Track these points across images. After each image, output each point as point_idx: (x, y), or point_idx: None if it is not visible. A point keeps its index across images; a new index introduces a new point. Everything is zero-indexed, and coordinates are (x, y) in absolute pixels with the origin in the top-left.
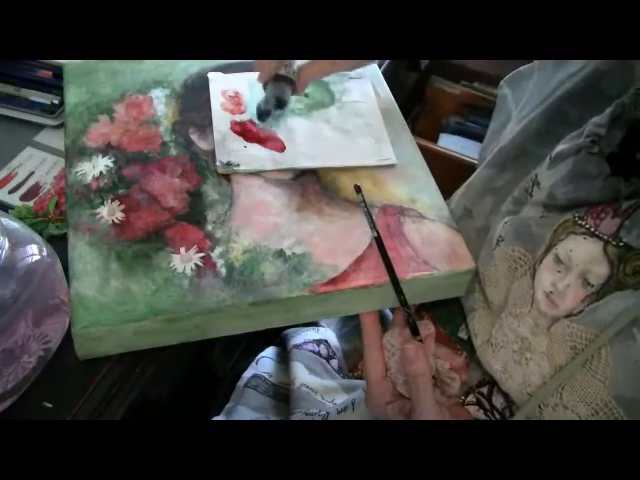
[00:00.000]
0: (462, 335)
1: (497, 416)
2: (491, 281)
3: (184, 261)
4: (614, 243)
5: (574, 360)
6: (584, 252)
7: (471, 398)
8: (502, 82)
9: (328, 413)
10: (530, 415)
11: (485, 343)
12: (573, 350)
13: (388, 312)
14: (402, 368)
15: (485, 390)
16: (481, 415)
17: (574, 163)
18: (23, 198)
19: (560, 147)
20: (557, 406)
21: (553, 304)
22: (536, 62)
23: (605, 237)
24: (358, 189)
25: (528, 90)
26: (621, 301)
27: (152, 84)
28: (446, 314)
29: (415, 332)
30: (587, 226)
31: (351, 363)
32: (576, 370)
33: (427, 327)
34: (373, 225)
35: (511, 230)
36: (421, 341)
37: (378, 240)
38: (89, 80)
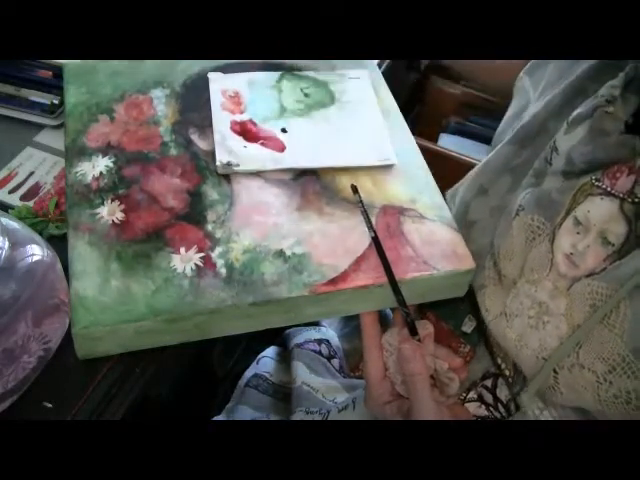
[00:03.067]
0: (466, 329)
1: (501, 409)
2: (507, 253)
3: (184, 261)
4: (630, 200)
5: (592, 317)
6: (601, 211)
7: (472, 395)
8: (521, 73)
9: (329, 412)
10: (544, 383)
11: (499, 316)
12: (592, 308)
13: (389, 312)
14: (400, 368)
15: (489, 383)
16: (483, 411)
17: (590, 124)
18: (23, 198)
19: (577, 111)
20: (573, 367)
21: (573, 265)
22: None
23: (621, 195)
24: (355, 189)
25: (546, 75)
26: None
27: (152, 84)
28: (449, 308)
29: (413, 332)
30: (604, 186)
31: (352, 363)
32: (594, 327)
33: (426, 327)
34: (370, 225)
35: (532, 199)
36: (420, 341)
37: (375, 240)
38: (89, 80)
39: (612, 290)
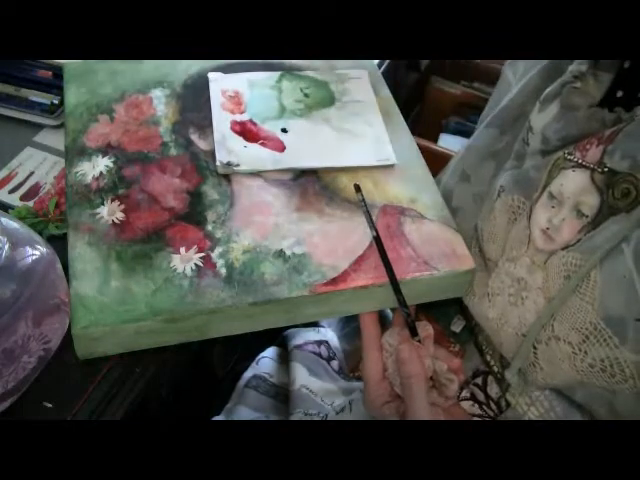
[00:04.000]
0: (455, 328)
1: (493, 406)
2: (490, 235)
3: (184, 261)
4: (599, 170)
5: (565, 287)
6: (573, 184)
7: (465, 393)
8: (504, 65)
9: (327, 415)
10: (525, 361)
11: (482, 297)
12: (567, 279)
13: (388, 312)
14: (397, 369)
15: (480, 380)
16: (476, 410)
17: (560, 101)
18: (23, 198)
19: (547, 90)
20: (550, 340)
21: (550, 239)
22: None
23: (591, 166)
24: (357, 188)
25: (523, 63)
26: (615, 225)
27: (152, 84)
28: (438, 308)
29: (414, 333)
30: (575, 159)
31: (352, 364)
32: (568, 297)
33: (426, 328)
34: (372, 225)
35: (511, 180)
36: (420, 342)
37: (377, 240)
38: (89, 80)
39: (585, 260)
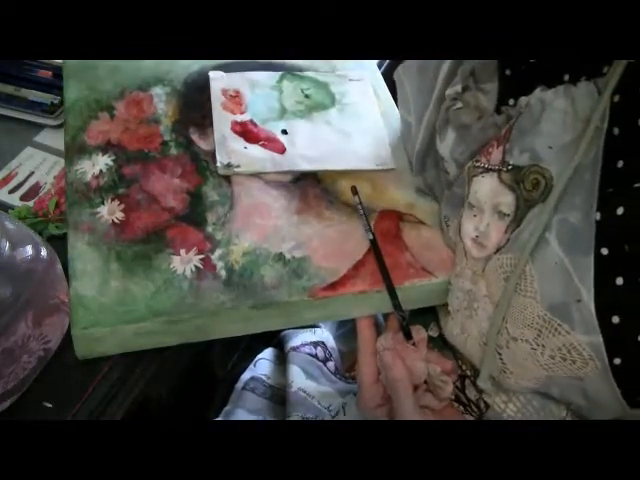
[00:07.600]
0: (432, 333)
1: (474, 408)
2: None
3: (184, 263)
4: (504, 169)
5: (507, 288)
6: (485, 188)
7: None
8: (398, 107)
9: (323, 419)
10: (493, 368)
11: (448, 316)
12: (506, 281)
13: (378, 316)
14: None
15: (458, 384)
16: (461, 410)
17: (452, 125)
18: (23, 198)
19: (437, 121)
20: (509, 342)
21: (481, 246)
22: (399, 70)
23: (496, 167)
24: (354, 191)
25: (409, 95)
26: (535, 217)
27: (152, 81)
28: (416, 314)
29: (408, 336)
30: (482, 164)
31: (347, 364)
32: (511, 297)
33: (419, 332)
34: (369, 227)
35: (448, 206)
36: (414, 345)
37: (373, 243)
38: (89, 76)
39: (517, 258)
